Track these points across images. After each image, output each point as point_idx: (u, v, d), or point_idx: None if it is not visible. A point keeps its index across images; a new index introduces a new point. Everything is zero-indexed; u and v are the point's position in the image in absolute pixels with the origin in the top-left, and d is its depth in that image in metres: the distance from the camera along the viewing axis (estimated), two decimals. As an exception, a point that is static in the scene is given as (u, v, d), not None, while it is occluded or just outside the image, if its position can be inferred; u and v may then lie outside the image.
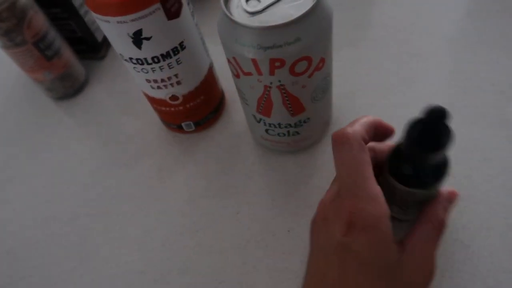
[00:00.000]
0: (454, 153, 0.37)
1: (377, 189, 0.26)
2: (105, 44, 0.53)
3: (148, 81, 0.36)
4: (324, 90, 0.34)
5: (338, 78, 0.41)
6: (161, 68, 0.35)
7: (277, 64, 0.29)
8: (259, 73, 0.30)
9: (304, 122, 0.36)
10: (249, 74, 0.31)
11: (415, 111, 0.40)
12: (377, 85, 0.43)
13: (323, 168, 0.39)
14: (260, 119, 0.36)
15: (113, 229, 0.40)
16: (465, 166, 0.36)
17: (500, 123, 0.38)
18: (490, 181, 0.35)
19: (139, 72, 0.35)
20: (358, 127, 0.28)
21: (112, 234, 0.39)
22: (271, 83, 0.31)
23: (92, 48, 0.52)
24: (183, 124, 0.42)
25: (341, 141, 0.28)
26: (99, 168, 0.44)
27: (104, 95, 0.50)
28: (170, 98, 0.38)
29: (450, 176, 0.36)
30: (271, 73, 0.30)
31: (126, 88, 0.50)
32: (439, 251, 0.33)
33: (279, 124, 0.36)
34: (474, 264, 0.32)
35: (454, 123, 0.39)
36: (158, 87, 0.37)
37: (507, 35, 0.44)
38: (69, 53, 0.48)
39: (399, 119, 0.40)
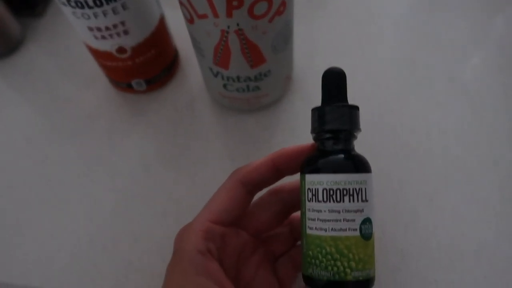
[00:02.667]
0: (415, 106, 0.37)
1: None
2: (43, -1, 0.48)
3: (91, 29, 0.32)
4: (285, 39, 0.32)
5: (297, 38, 0.39)
6: (104, 13, 0.31)
7: (234, 3, 0.26)
8: (215, 15, 0.27)
9: (265, 75, 0.33)
10: (204, 16, 0.28)
11: (375, 70, 0.40)
12: (335, 46, 0.42)
13: (285, 126, 0.37)
14: (218, 73, 0.33)
15: (57, 198, 0.36)
16: (426, 121, 0.36)
17: (458, 77, 0.38)
18: (446, 133, 0.35)
19: (79, 18, 0.31)
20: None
21: (56, 203, 0.36)
22: (228, 27, 0.28)
23: (27, 3, 0.46)
24: (133, 83, 0.38)
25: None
26: (38, 134, 0.40)
27: (42, 55, 0.45)
28: (116, 50, 0.34)
29: (411, 132, 0.36)
30: (228, 14, 0.27)
31: (67, 48, 0.45)
32: (403, 204, 0.32)
33: (238, 78, 0.33)
34: (437, 216, 0.32)
35: (415, 78, 0.38)
36: (103, 37, 0.33)
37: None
38: (1, 6, 0.42)
39: (359, 77, 0.40)
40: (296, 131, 0.37)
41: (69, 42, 0.46)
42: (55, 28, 0.47)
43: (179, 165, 0.36)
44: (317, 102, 0.38)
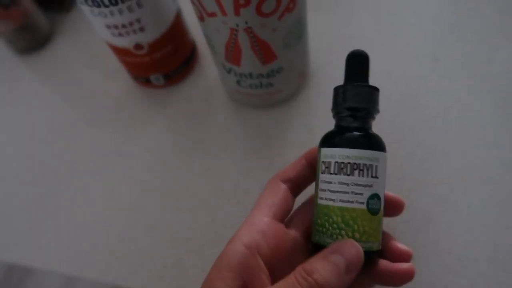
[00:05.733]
0: (434, 103, 0.36)
1: None
2: (71, -5, 0.50)
3: (108, 27, 0.33)
4: (297, 36, 0.32)
5: (314, 33, 0.38)
6: (120, 12, 0.32)
7: (241, 2, 0.26)
8: (223, 13, 0.27)
9: (277, 72, 0.33)
10: (213, 15, 0.28)
11: (395, 64, 0.39)
12: (355, 41, 0.40)
13: (298, 123, 0.37)
14: (230, 69, 0.34)
15: (76, 187, 0.38)
16: (445, 118, 0.35)
17: (481, 74, 0.36)
18: (467, 132, 0.34)
19: (96, 16, 0.32)
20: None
21: (75, 192, 0.37)
22: (237, 25, 0.28)
23: (56, -1, 0.48)
24: (151, 77, 0.39)
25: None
26: (62, 124, 0.42)
27: (70, 49, 0.47)
28: (134, 47, 0.35)
29: (429, 130, 0.34)
30: (236, 13, 0.27)
31: (93, 42, 0.47)
32: (417, 205, 0.32)
33: (250, 74, 0.33)
34: (451, 218, 0.31)
35: (436, 74, 0.37)
36: (120, 34, 0.34)
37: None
38: (28, 2, 0.44)
39: (378, 73, 0.38)
40: (311, 127, 0.37)
41: (94, 37, 0.47)
42: (82, 23, 0.49)
43: (192, 158, 0.37)
44: (333, 97, 0.37)
